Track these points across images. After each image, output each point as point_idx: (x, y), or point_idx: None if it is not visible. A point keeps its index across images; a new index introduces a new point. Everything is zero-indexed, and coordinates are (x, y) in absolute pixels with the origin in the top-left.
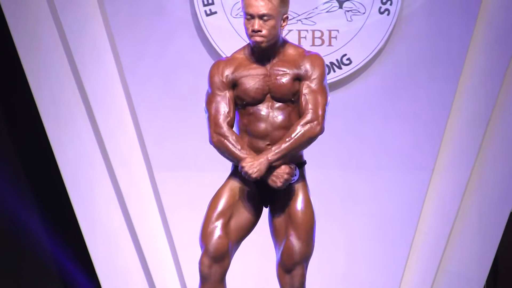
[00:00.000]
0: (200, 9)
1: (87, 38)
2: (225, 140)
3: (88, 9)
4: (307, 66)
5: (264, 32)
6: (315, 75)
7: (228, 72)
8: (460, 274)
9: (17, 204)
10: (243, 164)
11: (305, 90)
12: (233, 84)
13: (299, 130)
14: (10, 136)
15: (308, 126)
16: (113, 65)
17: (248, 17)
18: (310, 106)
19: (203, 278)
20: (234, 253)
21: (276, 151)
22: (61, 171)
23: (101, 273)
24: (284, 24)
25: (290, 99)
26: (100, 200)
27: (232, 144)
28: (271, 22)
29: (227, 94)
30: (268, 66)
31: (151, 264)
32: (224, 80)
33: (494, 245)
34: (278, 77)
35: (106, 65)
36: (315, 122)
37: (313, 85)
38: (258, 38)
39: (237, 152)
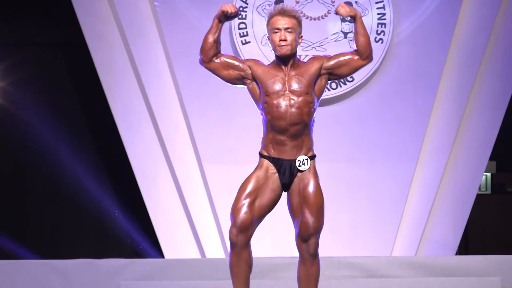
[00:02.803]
0: (238, 40)
1: (151, 62)
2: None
3: (151, 39)
4: (318, 60)
5: (288, 40)
6: (326, 57)
7: (254, 66)
8: (439, 241)
9: (98, 191)
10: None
11: (336, 59)
12: (252, 73)
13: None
14: (92, 138)
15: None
16: (171, 82)
17: (276, 31)
18: (346, 54)
19: (232, 244)
20: (257, 226)
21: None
22: (132, 164)
23: (163, 243)
24: (300, 40)
25: (305, 92)
26: (161, 187)
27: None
28: (292, 35)
29: (240, 62)
30: (286, 72)
31: (201, 236)
32: (248, 64)
33: (465, 219)
34: (296, 78)
35: (166, 82)
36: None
37: (332, 58)
38: (284, 44)
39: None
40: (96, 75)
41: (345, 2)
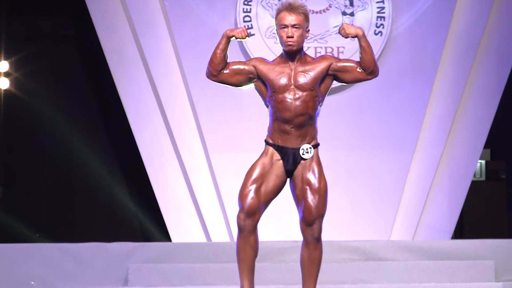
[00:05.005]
0: None
1: (160, 54)
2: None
3: (160, 32)
4: (327, 60)
5: (294, 37)
6: (336, 59)
7: (260, 65)
8: (435, 226)
9: (109, 178)
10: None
11: (343, 63)
12: (257, 72)
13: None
14: (103, 127)
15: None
16: (179, 74)
17: (283, 27)
18: (353, 61)
19: (240, 229)
20: (263, 211)
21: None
22: (141, 152)
23: (170, 228)
24: (307, 34)
25: (310, 88)
26: (169, 174)
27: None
28: (299, 31)
29: (244, 66)
30: (293, 67)
31: (207, 220)
32: (252, 64)
33: (460, 204)
34: (303, 73)
35: (174, 73)
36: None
37: (341, 61)
38: (290, 42)
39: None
40: (107, 67)
41: None
